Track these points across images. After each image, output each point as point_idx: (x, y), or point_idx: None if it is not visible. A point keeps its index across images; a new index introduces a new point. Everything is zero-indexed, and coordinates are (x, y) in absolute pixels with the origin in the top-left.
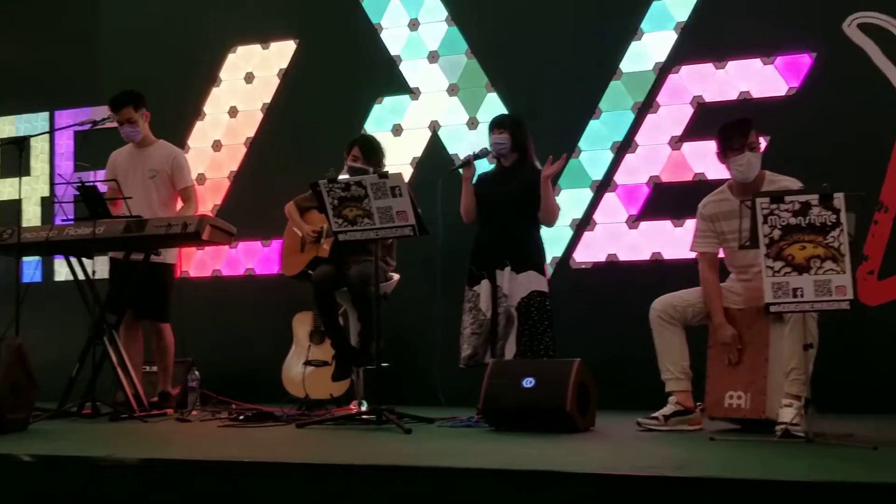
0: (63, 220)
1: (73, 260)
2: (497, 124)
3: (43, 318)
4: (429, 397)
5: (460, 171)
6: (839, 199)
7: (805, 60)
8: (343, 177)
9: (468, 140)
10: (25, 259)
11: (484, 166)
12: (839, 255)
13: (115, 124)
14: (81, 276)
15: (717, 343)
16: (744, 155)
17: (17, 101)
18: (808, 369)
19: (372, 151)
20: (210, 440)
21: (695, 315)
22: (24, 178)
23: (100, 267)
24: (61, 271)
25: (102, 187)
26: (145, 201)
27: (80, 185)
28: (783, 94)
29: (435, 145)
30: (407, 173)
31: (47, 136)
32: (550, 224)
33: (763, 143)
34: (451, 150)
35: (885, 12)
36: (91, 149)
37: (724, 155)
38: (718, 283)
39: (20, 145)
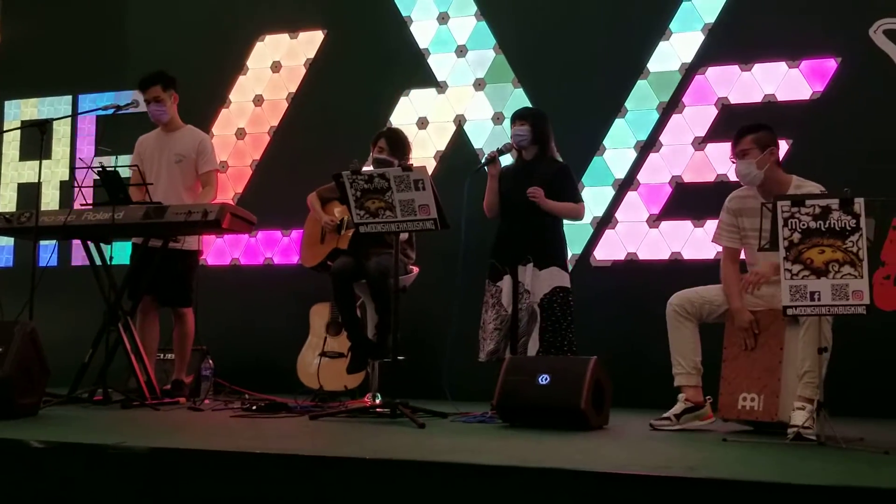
0: (82, 205)
1: (91, 245)
2: (519, 116)
3: (58, 302)
4: (443, 391)
5: (486, 168)
6: (859, 203)
7: (830, 65)
8: (367, 168)
9: (493, 135)
10: (42, 243)
11: (506, 160)
12: (857, 259)
13: (138, 109)
14: (98, 262)
15: (736, 339)
16: (738, 165)
17: (40, 84)
18: (822, 373)
19: (398, 144)
20: (221, 430)
21: (711, 312)
22: (45, 162)
23: (117, 253)
24: (78, 255)
25: (125, 172)
26: (170, 186)
27: (100, 169)
28: (807, 97)
29: (460, 139)
30: (431, 167)
31: (69, 119)
32: (578, 220)
33: (755, 151)
34: (476, 145)
35: None
36: (113, 134)
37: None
38: (738, 274)
39: (42, 128)
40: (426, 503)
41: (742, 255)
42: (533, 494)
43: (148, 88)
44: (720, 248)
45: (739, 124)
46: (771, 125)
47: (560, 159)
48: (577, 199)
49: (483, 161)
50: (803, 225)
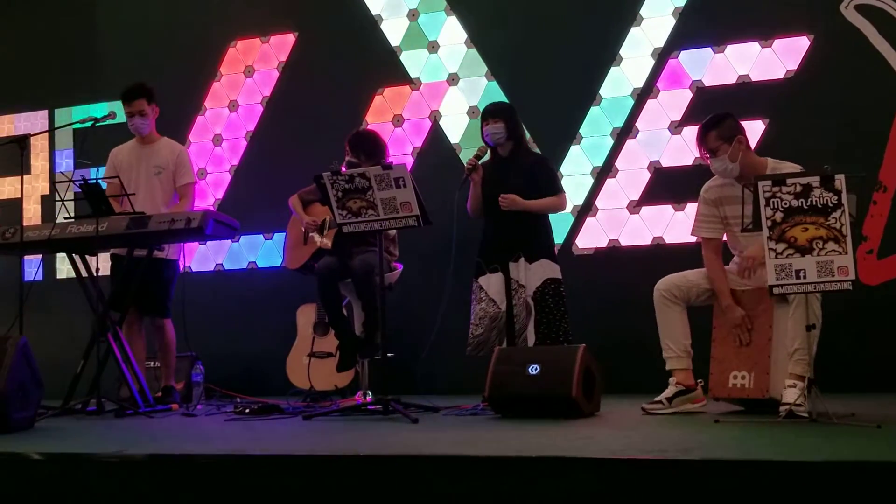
0: (65, 218)
1: (76, 257)
2: (490, 114)
3: (44, 316)
4: (433, 386)
5: (469, 180)
6: (840, 180)
7: (803, 42)
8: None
9: (470, 129)
10: (26, 257)
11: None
12: (841, 235)
13: (115, 120)
14: (84, 274)
15: (726, 325)
16: (712, 162)
17: (16, 100)
18: (812, 350)
19: (361, 145)
20: (218, 434)
21: (699, 295)
22: (24, 177)
23: (103, 264)
24: (62, 269)
25: (103, 184)
26: (149, 198)
27: (82, 182)
28: (782, 76)
29: (436, 135)
30: (408, 164)
31: (46, 133)
32: (561, 211)
33: (724, 145)
34: (452, 140)
35: None
36: (91, 146)
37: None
38: (723, 266)
39: (21, 144)
40: (425, 497)
41: (724, 239)
42: (532, 484)
43: (133, 101)
44: None
45: (715, 107)
46: (745, 106)
47: (536, 150)
48: (558, 189)
49: (465, 174)
50: (785, 204)
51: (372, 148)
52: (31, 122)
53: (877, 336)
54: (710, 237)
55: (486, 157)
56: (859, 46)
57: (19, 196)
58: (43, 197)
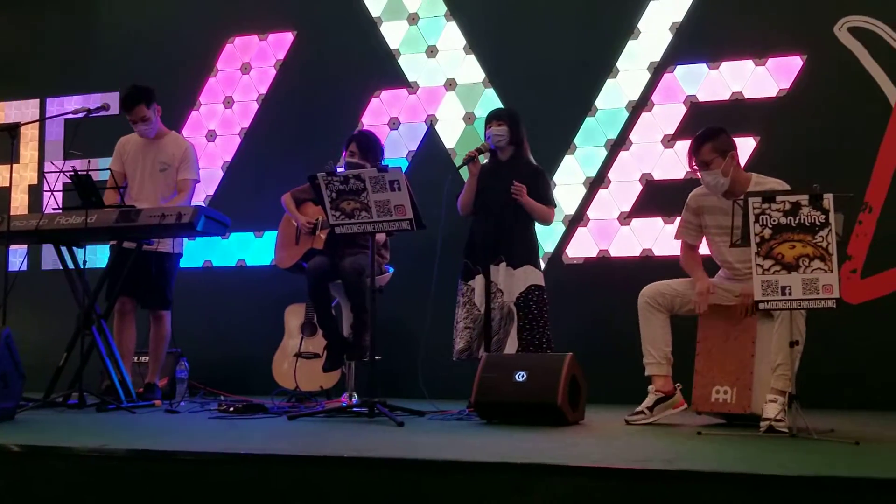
0: (53, 209)
1: (63, 249)
2: (495, 117)
3: (28, 307)
4: (418, 390)
5: (467, 166)
6: (829, 199)
7: (796, 62)
8: (340, 170)
9: (465, 134)
10: (11, 248)
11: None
12: (827, 254)
13: (108, 112)
14: (71, 266)
15: (704, 321)
16: (703, 175)
17: (7, 88)
18: (794, 366)
19: (369, 147)
20: (201, 432)
21: (682, 304)
22: (13, 166)
23: (90, 256)
24: (48, 260)
25: (99, 175)
26: (153, 192)
27: (73, 173)
28: (774, 94)
29: (432, 139)
30: (403, 167)
31: (37, 123)
32: (547, 224)
33: (718, 159)
34: (447, 145)
35: (875, 17)
36: (83, 137)
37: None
38: (698, 259)
39: (12, 132)
40: (409, 501)
41: (707, 251)
42: (516, 490)
43: (132, 109)
44: None
45: (708, 122)
46: (737, 122)
47: (534, 161)
48: (550, 202)
49: (463, 160)
50: (774, 220)
51: (378, 151)
52: (21, 111)
53: (857, 354)
54: (688, 242)
55: (486, 159)
56: (851, 68)
57: (7, 185)
58: (31, 187)
